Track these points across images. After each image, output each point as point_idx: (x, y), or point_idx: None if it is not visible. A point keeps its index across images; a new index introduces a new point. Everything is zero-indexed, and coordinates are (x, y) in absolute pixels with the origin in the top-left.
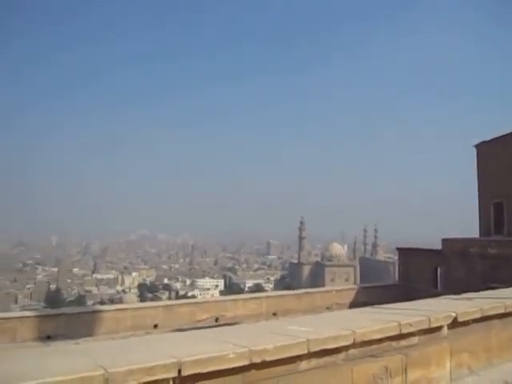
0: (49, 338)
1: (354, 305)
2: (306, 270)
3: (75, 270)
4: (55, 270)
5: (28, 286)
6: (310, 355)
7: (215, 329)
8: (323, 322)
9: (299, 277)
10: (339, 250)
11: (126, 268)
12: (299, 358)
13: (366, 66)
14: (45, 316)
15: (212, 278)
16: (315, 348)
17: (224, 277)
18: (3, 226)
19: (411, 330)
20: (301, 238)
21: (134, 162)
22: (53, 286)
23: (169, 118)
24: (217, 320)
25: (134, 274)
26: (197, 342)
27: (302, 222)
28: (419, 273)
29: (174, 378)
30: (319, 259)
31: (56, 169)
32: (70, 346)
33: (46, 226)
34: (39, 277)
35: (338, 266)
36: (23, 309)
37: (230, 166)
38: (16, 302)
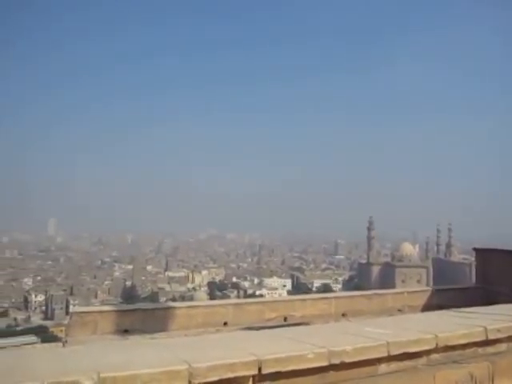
0: (126, 331)
1: (427, 308)
2: (375, 270)
3: (149, 267)
4: (130, 267)
5: (106, 282)
6: (390, 358)
7: (291, 328)
8: (401, 324)
9: (368, 277)
10: (410, 250)
11: (196, 266)
12: (379, 360)
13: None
14: (122, 311)
15: (279, 277)
16: (396, 351)
17: (291, 276)
18: (85, 226)
19: (499, 336)
20: (369, 238)
21: (202, 161)
22: (128, 283)
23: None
24: (285, 319)
25: (203, 272)
26: (274, 340)
27: (370, 222)
28: (499, 275)
29: (253, 376)
30: (389, 259)
31: (134, 170)
32: (153, 341)
33: (122, 225)
34: (116, 274)
35: (410, 266)
36: (102, 303)
37: (297, 166)
38: (96, 297)
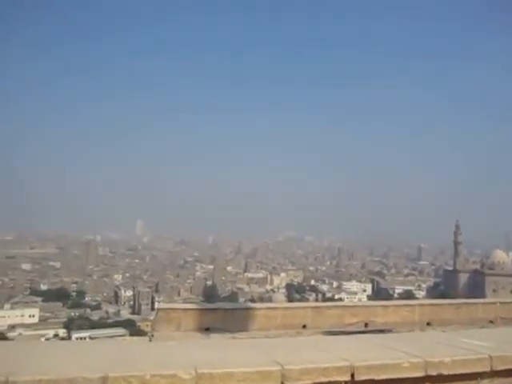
0: (207, 329)
1: None
2: (463, 278)
3: (228, 268)
4: (211, 267)
5: (188, 281)
6: (493, 374)
7: (380, 335)
8: (501, 337)
9: (455, 285)
10: (503, 257)
11: (274, 268)
12: (480, 375)
13: None
14: (204, 309)
15: (359, 281)
16: (500, 366)
17: (371, 281)
18: (168, 227)
19: None
20: (456, 243)
21: (280, 162)
22: (209, 282)
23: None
24: (366, 325)
25: (282, 274)
26: (365, 346)
27: (457, 226)
28: None
29: (346, 382)
30: (478, 267)
31: (209, 173)
32: (244, 340)
33: (202, 226)
34: (198, 273)
35: (502, 275)
36: (185, 301)
37: (379, 167)
38: (179, 295)
